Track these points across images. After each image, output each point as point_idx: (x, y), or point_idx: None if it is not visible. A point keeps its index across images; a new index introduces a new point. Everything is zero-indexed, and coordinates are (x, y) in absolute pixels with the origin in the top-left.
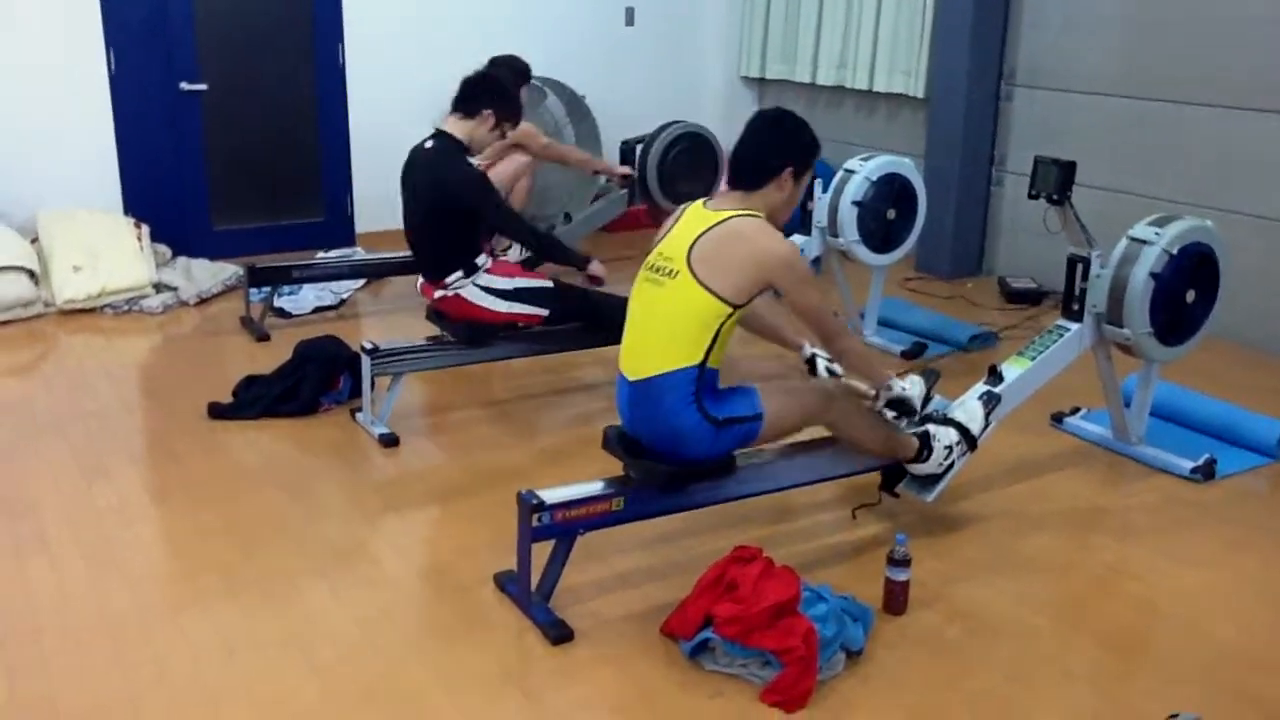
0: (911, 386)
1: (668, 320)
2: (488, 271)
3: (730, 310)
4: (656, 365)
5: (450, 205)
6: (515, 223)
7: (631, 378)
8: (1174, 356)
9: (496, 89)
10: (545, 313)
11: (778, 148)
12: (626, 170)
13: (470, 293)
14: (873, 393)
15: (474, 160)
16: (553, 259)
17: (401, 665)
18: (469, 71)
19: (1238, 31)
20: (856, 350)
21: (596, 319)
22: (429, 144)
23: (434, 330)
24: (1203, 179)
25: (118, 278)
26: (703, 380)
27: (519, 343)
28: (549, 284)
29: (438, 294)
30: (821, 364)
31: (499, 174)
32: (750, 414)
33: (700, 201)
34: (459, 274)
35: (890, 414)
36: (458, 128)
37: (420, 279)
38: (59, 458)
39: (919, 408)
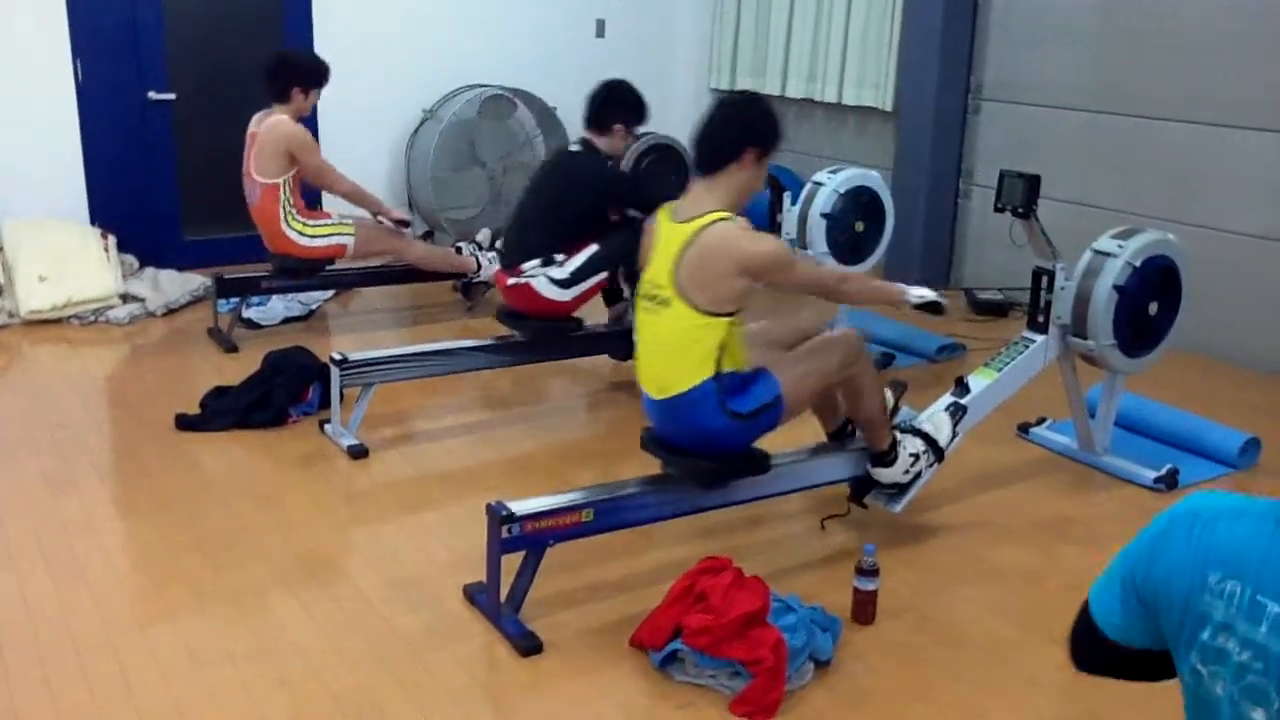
0: (926, 291)
1: (673, 346)
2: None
3: (729, 319)
4: (675, 385)
5: (574, 191)
6: (650, 192)
7: (655, 397)
8: (1137, 368)
9: (620, 101)
10: (604, 275)
11: (736, 129)
12: (402, 215)
13: (540, 284)
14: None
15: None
16: None
17: (370, 677)
18: (445, 85)
19: (1204, 47)
20: (864, 288)
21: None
22: (573, 147)
23: (504, 330)
24: (1168, 193)
25: (84, 288)
26: (722, 385)
27: (491, 354)
28: (594, 248)
29: (510, 281)
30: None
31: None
32: (771, 399)
33: (668, 212)
34: (536, 262)
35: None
36: (597, 140)
37: (495, 268)
38: (24, 469)
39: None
